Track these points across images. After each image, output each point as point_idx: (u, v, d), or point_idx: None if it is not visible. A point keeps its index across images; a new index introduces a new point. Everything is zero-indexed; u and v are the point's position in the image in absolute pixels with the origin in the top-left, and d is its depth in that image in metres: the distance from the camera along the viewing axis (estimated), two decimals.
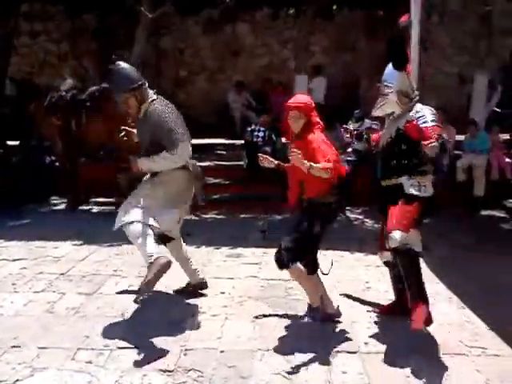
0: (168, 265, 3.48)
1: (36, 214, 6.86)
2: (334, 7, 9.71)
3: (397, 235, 3.34)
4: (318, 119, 3.53)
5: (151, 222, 3.63)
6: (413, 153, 3.42)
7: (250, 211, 7.03)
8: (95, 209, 7.27)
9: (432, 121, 3.39)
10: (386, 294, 4.25)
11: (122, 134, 3.95)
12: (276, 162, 3.64)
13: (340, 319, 3.74)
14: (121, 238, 5.63)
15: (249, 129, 7.93)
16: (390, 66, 3.61)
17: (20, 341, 3.41)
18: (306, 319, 3.77)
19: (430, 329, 3.63)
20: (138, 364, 3.16)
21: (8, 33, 8.88)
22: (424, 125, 3.35)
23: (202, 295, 4.17)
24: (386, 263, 3.85)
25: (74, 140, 6.77)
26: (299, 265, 3.49)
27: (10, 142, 8.07)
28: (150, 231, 3.60)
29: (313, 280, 3.62)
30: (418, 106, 3.54)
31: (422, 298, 3.38)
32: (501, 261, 5.07)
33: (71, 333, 3.54)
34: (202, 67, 12.49)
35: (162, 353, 3.29)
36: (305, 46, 9.72)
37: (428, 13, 10.65)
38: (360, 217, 7.02)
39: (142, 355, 3.25)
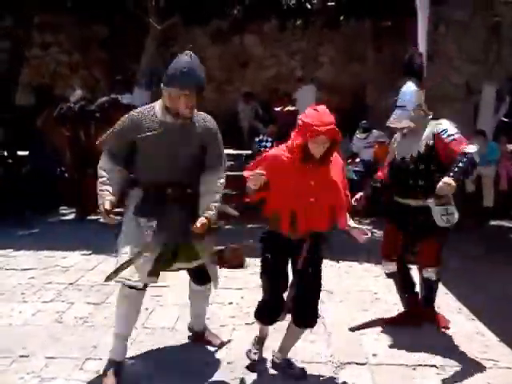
0: None
1: (45, 223, 6.89)
2: (342, 18, 9.75)
3: (435, 271, 3.76)
4: None
5: None
6: (441, 172, 3.27)
7: (258, 221, 7.00)
8: None
9: (456, 133, 3.40)
10: (395, 306, 4.23)
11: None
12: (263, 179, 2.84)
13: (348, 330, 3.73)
14: None
15: (257, 139, 7.95)
16: (407, 80, 3.68)
17: (28, 350, 3.42)
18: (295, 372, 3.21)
19: (440, 340, 3.61)
20: (145, 373, 3.15)
21: (20, 44, 9.01)
22: (450, 138, 3.35)
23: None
24: (389, 274, 3.93)
25: (82, 151, 6.82)
26: None
27: (19, 153, 8.13)
28: None
29: None
30: (434, 121, 3.56)
31: None
32: (510, 272, 5.03)
33: (79, 343, 3.55)
34: (209, 78, 12.51)
35: (170, 362, 3.28)
36: (313, 57, 9.75)
37: (435, 24, 10.67)
38: (369, 227, 6.99)
39: (150, 365, 3.25)
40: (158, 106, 3.08)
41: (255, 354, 3.30)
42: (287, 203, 2.91)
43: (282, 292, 3.08)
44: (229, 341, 3.59)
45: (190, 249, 3.09)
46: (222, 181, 3.13)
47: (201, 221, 2.93)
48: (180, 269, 3.29)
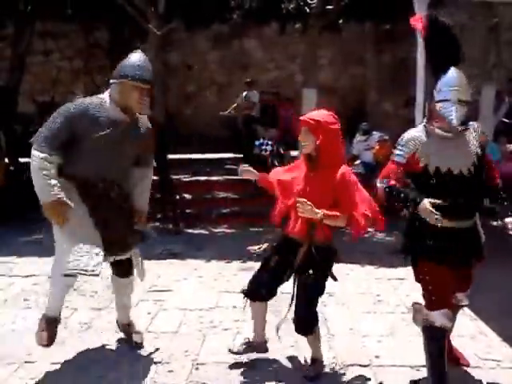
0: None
1: (48, 230, 6.86)
2: (341, 21, 9.78)
3: (466, 295, 3.18)
4: None
5: None
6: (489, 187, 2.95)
7: (260, 225, 7.03)
8: None
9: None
10: (397, 308, 4.24)
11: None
12: (257, 175, 3.30)
13: (351, 333, 3.73)
14: None
15: (257, 143, 7.97)
16: (452, 69, 2.88)
17: (33, 356, 3.43)
18: (309, 372, 3.22)
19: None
20: (149, 379, 3.16)
21: (22, 52, 9.05)
22: (493, 159, 3.06)
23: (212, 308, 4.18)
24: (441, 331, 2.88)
25: None
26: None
27: (22, 159, 8.16)
28: None
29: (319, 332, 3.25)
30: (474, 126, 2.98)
31: None
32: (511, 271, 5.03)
33: (83, 347, 3.56)
34: (210, 82, 12.61)
35: (174, 367, 3.29)
36: (313, 60, 9.78)
37: None
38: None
39: (154, 370, 3.26)
40: (107, 101, 3.09)
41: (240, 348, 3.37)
42: (288, 202, 3.09)
43: (274, 277, 3.17)
44: (157, 349, 3.52)
45: (123, 241, 3.29)
46: (149, 181, 3.43)
47: (144, 217, 3.39)
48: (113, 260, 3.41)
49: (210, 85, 12.64)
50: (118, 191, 3.23)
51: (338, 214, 2.89)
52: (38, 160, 2.96)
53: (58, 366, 3.31)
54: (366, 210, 2.91)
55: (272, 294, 3.24)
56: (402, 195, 2.83)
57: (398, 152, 2.95)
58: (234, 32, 11.83)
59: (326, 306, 4.24)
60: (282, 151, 7.77)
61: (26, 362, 3.36)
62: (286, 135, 9.47)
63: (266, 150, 7.70)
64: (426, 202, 2.68)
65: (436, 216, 2.63)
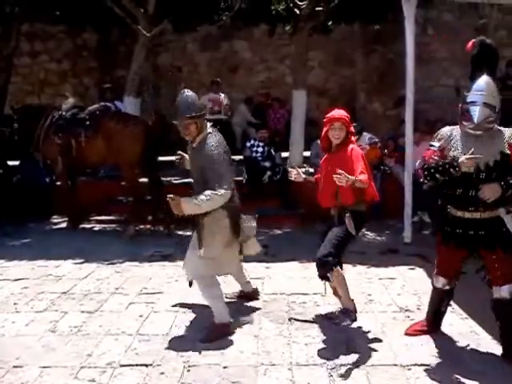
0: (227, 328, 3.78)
1: (37, 233, 6.86)
2: (330, 23, 9.80)
3: (509, 289, 3.28)
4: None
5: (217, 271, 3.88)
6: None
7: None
8: (96, 227, 7.27)
9: None
10: (389, 307, 4.25)
11: (178, 157, 4.14)
12: (303, 176, 4.02)
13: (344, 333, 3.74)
14: (122, 255, 5.71)
15: (248, 144, 7.96)
16: (484, 76, 3.27)
17: (22, 361, 3.40)
18: (343, 324, 3.82)
19: (434, 340, 3.63)
20: (141, 381, 3.14)
21: (9, 53, 8.98)
22: None
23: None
24: (439, 290, 3.65)
25: (74, 159, 6.79)
26: (339, 268, 3.75)
27: (10, 162, 8.09)
28: (219, 291, 3.86)
29: (345, 282, 3.85)
30: (507, 129, 3.28)
31: None
32: None
33: (74, 351, 3.53)
34: (199, 84, 12.57)
35: (166, 369, 3.27)
36: (302, 62, 9.80)
37: (423, 26, 10.77)
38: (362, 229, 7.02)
39: (146, 372, 3.24)
40: None
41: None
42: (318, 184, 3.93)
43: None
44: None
45: None
46: (213, 192, 3.57)
47: (172, 196, 3.59)
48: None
49: (199, 86, 12.60)
50: None
51: (362, 178, 3.53)
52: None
53: (47, 371, 3.28)
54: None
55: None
56: (440, 164, 3.25)
57: (434, 143, 3.44)
58: (223, 33, 11.80)
59: (318, 306, 4.24)
60: (273, 152, 7.76)
61: (15, 367, 3.32)
62: (275, 136, 9.49)
63: (257, 152, 7.69)
64: (463, 158, 3.14)
65: (468, 157, 3.10)
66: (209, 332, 3.72)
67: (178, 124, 3.80)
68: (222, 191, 3.57)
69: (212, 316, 3.78)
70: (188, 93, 3.86)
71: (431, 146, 3.44)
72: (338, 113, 3.83)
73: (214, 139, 3.75)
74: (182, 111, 3.77)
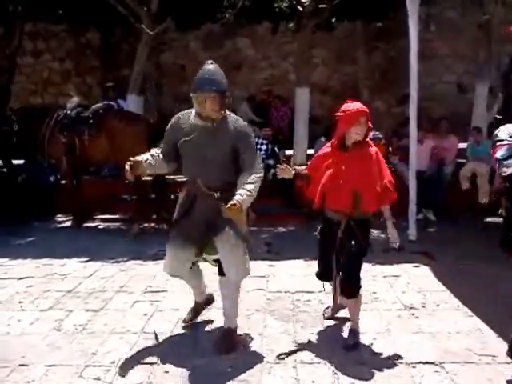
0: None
1: (42, 231, 6.88)
2: (334, 20, 9.77)
3: None
4: None
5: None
6: None
7: (255, 224, 7.02)
8: (100, 226, 7.29)
9: None
10: (394, 305, 4.24)
11: (130, 164, 3.29)
12: (293, 171, 3.63)
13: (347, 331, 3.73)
14: (126, 254, 5.72)
15: None
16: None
17: (27, 359, 3.41)
18: (348, 341, 3.55)
19: (439, 338, 3.62)
20: (145, 380, 3.15)
21: (12, 52, 8.99)
22: None
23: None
24: None
25: (78, 157, 6.81)
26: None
27: (14, 161, 8.11)
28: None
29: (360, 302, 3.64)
30: None
31: None
32: (507, 268, 5.04)
33: (79, 350, 3.54)
34: None
35: (170, 368, 3.27)
36: (306, 59, 9.77)
37: (426, 22, 10.73)
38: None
39: (150, 371, 3.25)
40: (193, 111, 3.44)
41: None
42: (322, 183, 3.44)
43: (327, 260, 3.57)
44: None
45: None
46: (256, 176, 3.30)
47: (230, 203, 3.08)
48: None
49: None
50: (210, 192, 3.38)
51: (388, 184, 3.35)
52: None
53: (52, 369, 3.29)
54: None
55: (330, 274, 3.61)
56: None
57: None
58: (226, 31, 11.79)
59: (322, 304, 4.24)
60: (276, 150, 7.75)
61: (20, 365, 3.33)
62: (279, 134, 9.48)
63: (260, 150, 7.69)
64: None
65: None
66: (228, 340, 3.53)
67: (204, 97, 3.26)
68: (261, 169, 3.36)
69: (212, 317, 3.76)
70: (215, 64, 3.40)
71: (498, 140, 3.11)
72: (360, 106, 3.39)
73: (234, 116, 3.47)
74: (215, 83, 3.27)
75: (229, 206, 3.06)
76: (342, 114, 3.38)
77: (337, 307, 3.89)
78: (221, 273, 3.50)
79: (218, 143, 3.34)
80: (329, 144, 3.60)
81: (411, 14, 5.97)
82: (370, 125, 3.40)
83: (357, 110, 3.34)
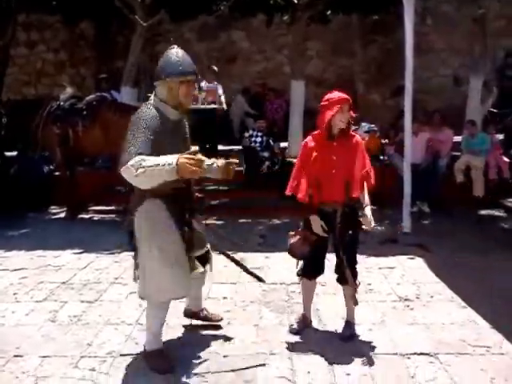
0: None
1: (36, 223, 6.85)
2: (329, 12, 9.75)
3: None
4: None
5: None
6: None
7: (250, 216, 7.03)
8: (95, 217, 7.26)
9: None
10: (388, 297, 4.26)
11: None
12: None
13: (342, 322, 3.75)
14: (120, 245, 5.69)
15: (246, 134, 7.94)
16: None
17: (23, 350, 3.40)
18: (344, 332, 3.57)
19: (433, 329, 3.64)
20: (141, 371, 3.15)
21: (5, 43, 8.91)
22: None
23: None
24: None
25: (72, 148, 6.78)
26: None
27: (7, 153, 8.06)
28: None
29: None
30: None
31: None
32: (501, 260, 5.08)
33: (74, 341, 3.53)
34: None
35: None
36: (300, 52, 9.76)
37: (422, 16, 10.73)
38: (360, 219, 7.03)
39: (145, 362, 3.24)
40: (157, 104, 3.05)
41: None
42: (313, 175, 3.43)
43: (321, 254, 3.55)
44: (221, 318, 3.75)
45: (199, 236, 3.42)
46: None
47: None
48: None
49: None
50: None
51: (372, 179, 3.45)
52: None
53: (48, 360, 3.28)
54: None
55: (323, 268, 3.61)
56: None
57: None
58: (221, 23, 11.74)
59: (317, 296, 4.24)
60: (271, 142, 7.74)
61: (15, 356, 3.33)
62: (273, 127, 9.47)
63: (255, 142, 7.68)
64: None
65: None
66: None
67: (185, 79, 3.01)
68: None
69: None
70: (180, 48, 3.15)
71: None
72: (342, 94, 3.41)
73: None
74: (187, 68, 3.02)
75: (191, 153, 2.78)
76: (325, 102, 3.41)
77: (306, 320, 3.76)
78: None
79: (185, 133, 3.24)
80: (310, 138, 3.53)
81: (407, 7, 5.96)
82: (353, 114, 3.44)
83: (339, 98, 3.38)
